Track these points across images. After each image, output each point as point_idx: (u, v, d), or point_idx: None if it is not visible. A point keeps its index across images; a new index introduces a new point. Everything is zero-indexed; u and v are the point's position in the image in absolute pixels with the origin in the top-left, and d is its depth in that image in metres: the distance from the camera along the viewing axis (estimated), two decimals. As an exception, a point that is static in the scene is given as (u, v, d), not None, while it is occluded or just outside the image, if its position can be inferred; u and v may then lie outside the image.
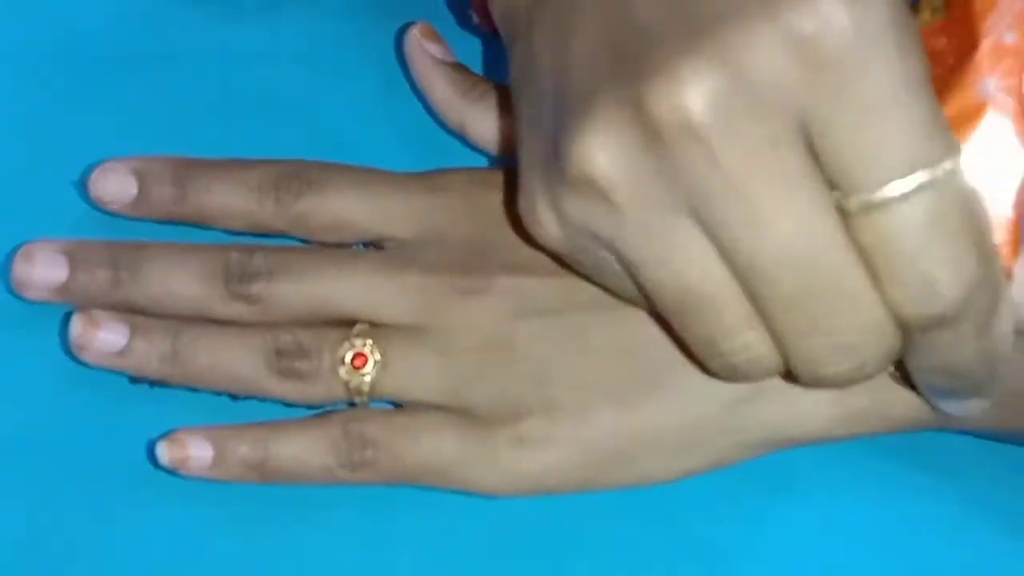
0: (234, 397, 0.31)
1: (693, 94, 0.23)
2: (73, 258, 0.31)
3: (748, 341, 0.25)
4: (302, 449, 0.30)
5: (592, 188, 0.24)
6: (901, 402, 0.29)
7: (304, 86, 0.36)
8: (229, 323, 0.31)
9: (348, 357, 0.30)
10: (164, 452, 0.30)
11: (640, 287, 0.26)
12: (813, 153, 0.23)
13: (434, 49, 0.34)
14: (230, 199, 0.32)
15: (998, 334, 0.25)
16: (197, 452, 0.30)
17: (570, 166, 0.24)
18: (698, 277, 0.25)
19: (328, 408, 0.31)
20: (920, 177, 0.23)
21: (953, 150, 0.23)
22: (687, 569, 0.30)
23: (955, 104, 0.25)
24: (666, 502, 0.31)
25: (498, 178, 0.32)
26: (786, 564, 0.31)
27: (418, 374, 0.30)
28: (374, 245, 0.32)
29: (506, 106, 0.32)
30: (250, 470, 0.30)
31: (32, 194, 0.34)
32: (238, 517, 0.30)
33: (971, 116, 0.25)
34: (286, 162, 0.32)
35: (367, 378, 0.30)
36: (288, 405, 0.31)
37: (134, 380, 0.31)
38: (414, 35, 0.34)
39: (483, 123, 0.33)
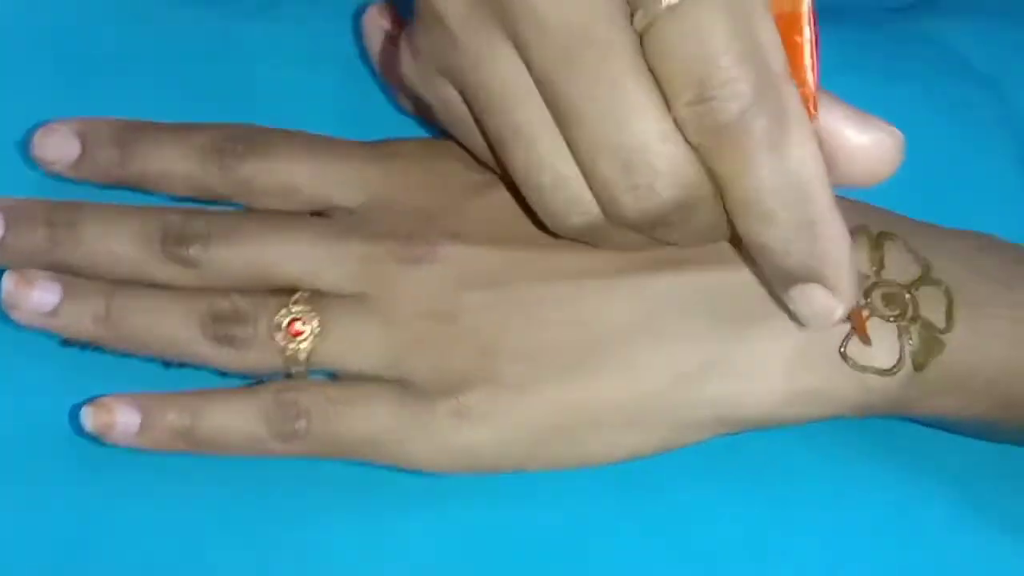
0: (167, 365, 0.30)
1: None
2: (9, 215, 0.30)
3: (561, 174, 0.25)
4: (231, 417, 0.29)
5: (433, 18, 0.26)
6: (852, 383, 0.28)
7: (304, 86, 0.35)
8: (167, 287, 0.30)
9: (284, 323, 0.29)
10: (89, 417, 0.29)
11: (476, 121, 0.26)
12: None
13: (388, 24, 0.33)
14: (173, 162, 0.31)
15: (796, 159, 0.24)
16: (123, 418, 0.29)
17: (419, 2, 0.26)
18: (513, 101, 0.25)
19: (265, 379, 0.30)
20: None
21: None
22: (687, 569, 0.29)
23: None
24: (666, 502, 0.30)
25: (451, 147, 0.31)
26: (787, 564, 0.30)
27: (357, 343, 0.29)
28: (324, 215, 0.31)
29: None
30: (177, 438, 0.29)
31: (31, 192, 0.33)
32: (230, 514, 0.30)
33: None
34: (233, 125, 0.31)
35: (304, 346, 0.29)
36: (223, 375, 0.30)
37: (66, 343, 0.30)
38: (372, 15, 0.33)
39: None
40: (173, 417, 0.29)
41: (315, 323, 0.29)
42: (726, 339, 0.29)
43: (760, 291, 0.29)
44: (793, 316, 0.27)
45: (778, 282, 0.26)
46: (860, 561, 0.30)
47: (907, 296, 0.29)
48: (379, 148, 0.31)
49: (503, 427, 0.29)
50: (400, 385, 0.29)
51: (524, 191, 0.27)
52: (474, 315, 0.29)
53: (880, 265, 0.29)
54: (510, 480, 0.29)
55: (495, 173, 0.30)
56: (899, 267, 0.29)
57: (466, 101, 0.27)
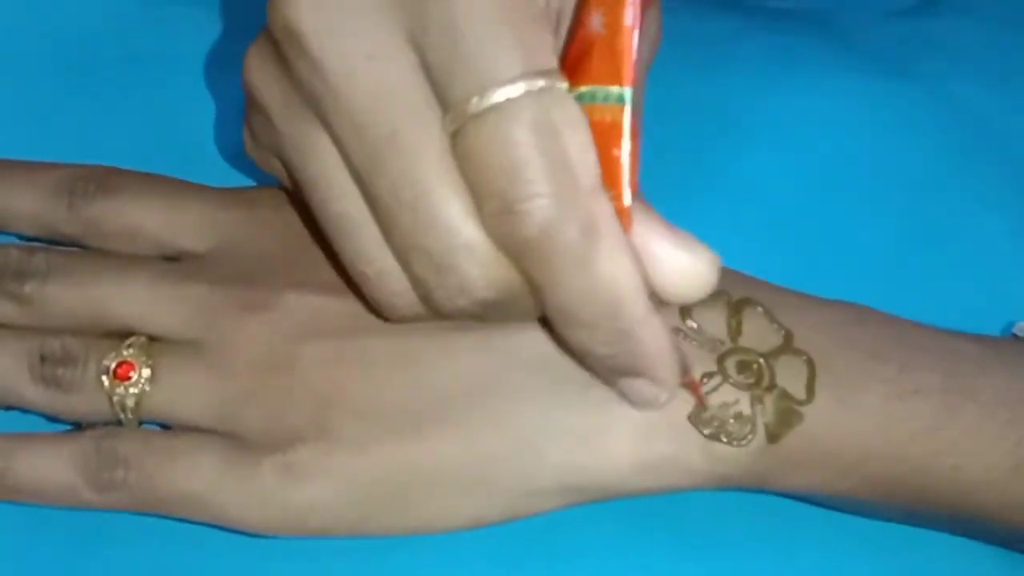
0: (-3, 408, 0.29)
1: (295, 3, 0.23)
2: None
3: (385, 267, 0.25)
4: (47, 463, 0.27)
5: (256, 104, 0.25)
6: (703, 453, 0.27)
7: None
8: (1, 326, 0.29)
9: (112, 367, 0.28)
10: None
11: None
12: (427, 70, 0.23)
13: None
14: (21, 200, 0.30)
15: (605, 273, 0.23)
16: None
17: (243, 77, 0.26)
18: (333, 192, 0.25)
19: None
20: (504, 93, 0.22)
21: (546, 68, 0.23)
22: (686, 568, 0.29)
23: (576, 46, 0.24)
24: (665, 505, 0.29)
25: None
26: (787, 563, 0.29)
27: (188, 392, 0.28)
28: (174, 259, 0.30)
29: None
30: None
31: None
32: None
33: (585, 54, 0.24)
34: (85, 166, 0.30)
35: (132, 392, 0.28)
36: (52, 420, 0.29)
37: None
38: None
39: None
40: None
41: (145, 370, 0.28)
42: (570, 403, 0.27)
43: None
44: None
45: (602, 376, 0.26)
46: (861, 560, 0.29)
47: (762, 364, 0.27)
48: (233, 194, 0.30)
49: (333, 487, 0.27)
50: (229, 439, 0.28)
51: (354, 279, 0.26)
52: (311, 367, 0.28)
53: (738, 332, 0.28)
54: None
55: None
56: (758, 335, 0.28)
57: (296, 189, 0.27)
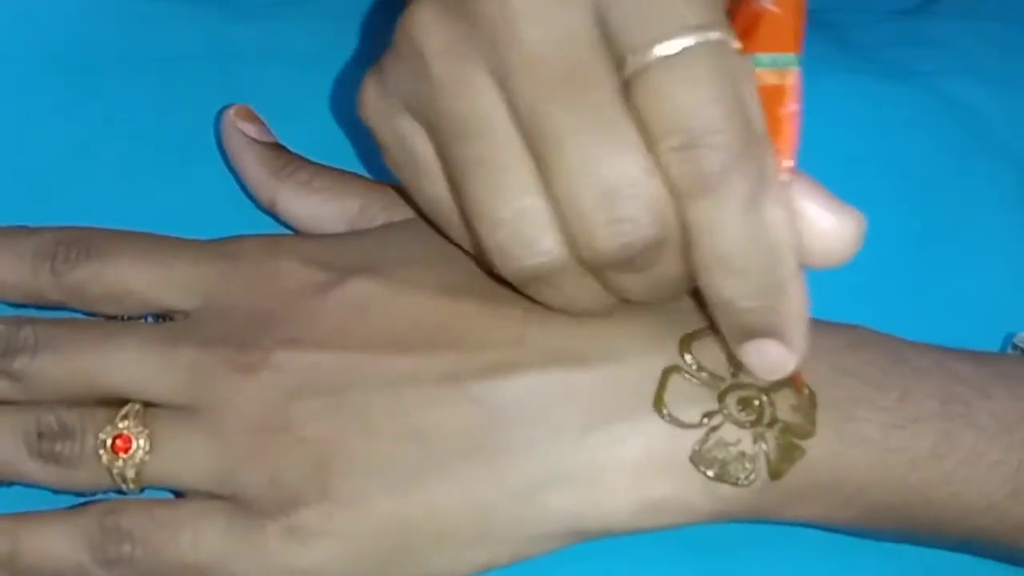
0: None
1: None
2: None
3: (526, 209, 0.25)
4: (54, 543, 0.27)
5: (411, 49, 0.25)
6: (704, 492, 0.27)
7: (304, 86, 0.35)
8: None
9: (108, 441, 0.28)
10: None
11: (438, 149, 0.26)
12: (603, 23, 0.24)
13: (248, 128, 0.32)
14: (5, 269, 0.29)
15: (771, 220, 0.24)
16: None
17: (396, 32, 0.26)
18: (485, 128, 0.25)
19: (98, 497, 0.29)
20: (685, 41, 0.23)
21: (721, 23, 0.24)
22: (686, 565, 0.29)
23: (740, 20, 0.26)
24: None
25: (292, 244, 0.30)
26: (787, 562, 0.29)
27: (187, 458, 0.28)
28: (167, 318, 0.30)
29: (316, 184, 0.31)
30: None
31: (31, 193, 0.33)
32: None
33: (751, 27, 0.26)
34: (66, 230, 0.30)
35: (132, 463, 0.28)
36: (56, 492, 0.29)
37: None
38: (229, 115, 0.32)
39: (293, 201, 0.31)
40: None
41: (142, 440, 0.28)
42: (568, 450, 0.27)
43: (600, 392, 0.27)
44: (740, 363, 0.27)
45: (733, 336, 0.26)
46: (860, 559, 0.29)
47: (764, 400, 0.27)
48: (217, 248, 0.30)
49: (339, 547, 0.27)
50: (232, 503, 0.27)
51: (479, 229, 0.26)
52: (308, 426, 0.27)
53: (738, 366, 0.27)
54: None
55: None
56: None
57: (432, 134, 0.26)
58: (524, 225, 0.25)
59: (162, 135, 0.34)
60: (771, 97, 0.25)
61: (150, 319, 0.30)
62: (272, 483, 0.27)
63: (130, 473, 0.28)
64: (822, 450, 0.27)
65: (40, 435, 0.28)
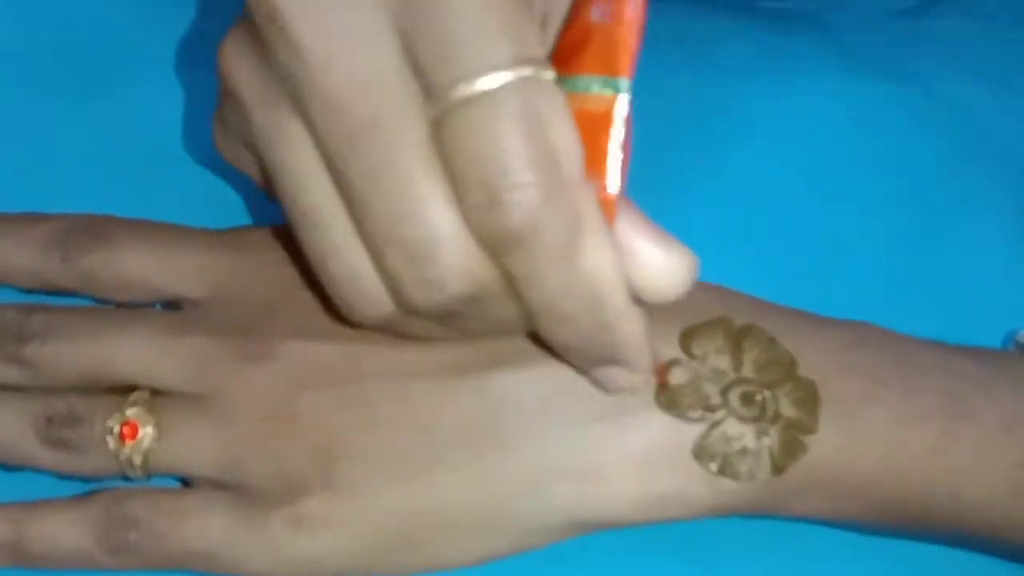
0: (7, 468, 0.29)
1: None
2: None
3: (354, 264, 0.24)
4: (60, 530, 0.28)
5: (230, 92, 0.25)
6: (707, 486, 0.27)
7: None
8: (5, 388, 0.29)
9: (116, 428, 0.28)
10: None
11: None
12: (411, 57, 0.22)
13: None
14: (16, 255, 0.30)
15: (589, 266, 0.23)
16: None
17: (219, 71, 0.25)
18: (304, 183, 0.24)
19: (105, 484, 0.29)
20: (490, 80, 0.22)
21: (531, 56, 0.22)
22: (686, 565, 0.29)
23: (569, 34, 0.24)
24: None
25: None
26: (787, 561, 0.29)
27: (193, 446, 0.28)
28: (175, 306, 0.30)
29: None
30: (3, 553, 0.28)
31: (32, 194, 0.32)
32: None
33: (580, 43, 0.24)
34: (77, 217, 0.30)
35: (139, 450, 0.28)
36: (62, 478, 0.29)
37: None
38: None
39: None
40: (1, 530, 0.28)
41: (150, 427, 0.28)
42: (572, 442, 0.27)
43: None
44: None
45: (578, 364, 0.26)
46: (861, 559, 0.29)
47: (767, 395, 0.27)
48: (227, 237, 0.30)
49: (343, 536, 0.27)
50: (237, 492, 0.28)
51: (320, 279, 0.25)
52: (314, 415, 0.28)
53: (740, 361, 0.27)
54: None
55: None
56: (761, 363, 0.28)
57: (266, 178, 0.26)
58: (358, 283, 0.25)
59: (162, 135, 0.34)
60: (596, 125, 0.24)
61: (159, 307, 0.30)
62: (277, 472, 0.27)
63: (137, 460, 0.28)
64: (825, 446, 0.27)
65: (49, 420, 0.28)
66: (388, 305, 0.25)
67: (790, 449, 0.27)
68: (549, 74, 0.22)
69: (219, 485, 0.28)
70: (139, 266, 0.29)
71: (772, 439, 0.27)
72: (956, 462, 0.27)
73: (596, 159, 0.23)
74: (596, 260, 0.23)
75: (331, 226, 0.24)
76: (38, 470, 0.29)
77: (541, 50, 0.23)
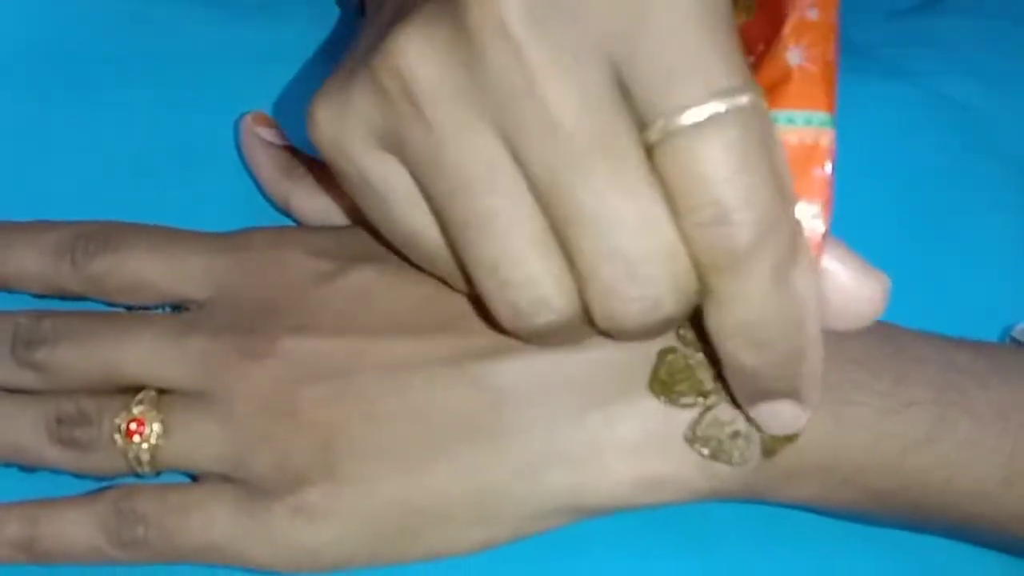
0: (23, 469, 0.30)
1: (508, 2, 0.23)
2: None
3: (534, 273, 0.24)
4: (71, 527, 0.28)
5: (394, 80, 0.24)
6: (699, 470, 0.27)
7: (304, 86, 0.35)
8: (18, 391, 0.30)
9: (123, 426, 0.29)
10: None
11: (427, 199, 0.25)
12: (622, 83, 0.23)
13: (264, 132, 0.33)
14: (26, 261, 0.31)
15: (799, 291, 0.24)
16: None
17: (378, 58, 0.24)
18: (488, 187, 0.24)
19: (116, 481, 0.30)
20: (716, 106, 0.22)
21: (751, 86, 0.23)
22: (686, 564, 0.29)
23: (766, 74, 0.25)
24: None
25: (300, 236, 0.31)
26: (787, 562, 0.29)
27: (199, 443, 0.29)
28: (182, 308, 0.31)
29: (325, 184, 0.32)
30: (18, 551, 0.29)
31: (31, 193, 0.33)
32: None
33: (780, 82, 0.25)
34: (86, 223, 0.31)
35: (145, 447, 0.29)
36: (76, 477, 0.30)
37: None
38: (247, 121, 0.33)
39: (305, 200, 0.32)
40: (14, 530, 0.29)
41: (156, 425, 0.29)
42: (567, 430, 0.27)
43: (597, 374, 0.28)
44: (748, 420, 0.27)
45: (746, 397, 0.26)
46: (861, 560, 0.29)
47: None
48: (228, 240, 0.31)
49: (343, 526, 0.28)
50: (241, 485, 0.28)
51: (482, 284, 0.25)
52: (314, 409, 0.28)
53: None
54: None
55: (362, 261, 0.30)
56: None
57: (419, 175, 0.25)
58: (537, 289, 0.25)
59: (162, 134, 0.34)
60: (803, 157, 0.25)
61: (168, 309, 0.31)
62: (279, 465, 0.28)
63: (144, 456, 0.29)
64: (817, 432, 0.27)
65: (59, 421, 0.29)
66: (564, 312, 0.25)
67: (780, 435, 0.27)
68: (764, 102, 0.23)
69: (225, 479, 0.29)
70: (145, 270, 0.30)
71: None
72: (947, 452, 0.27)
73: (804, 190, 0.24)
74: (804, 287, 0.24)
75: (517, 230, 0.24)
76: (52, 470, 0.30)
77: (752, 77, 0.23)
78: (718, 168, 0.22)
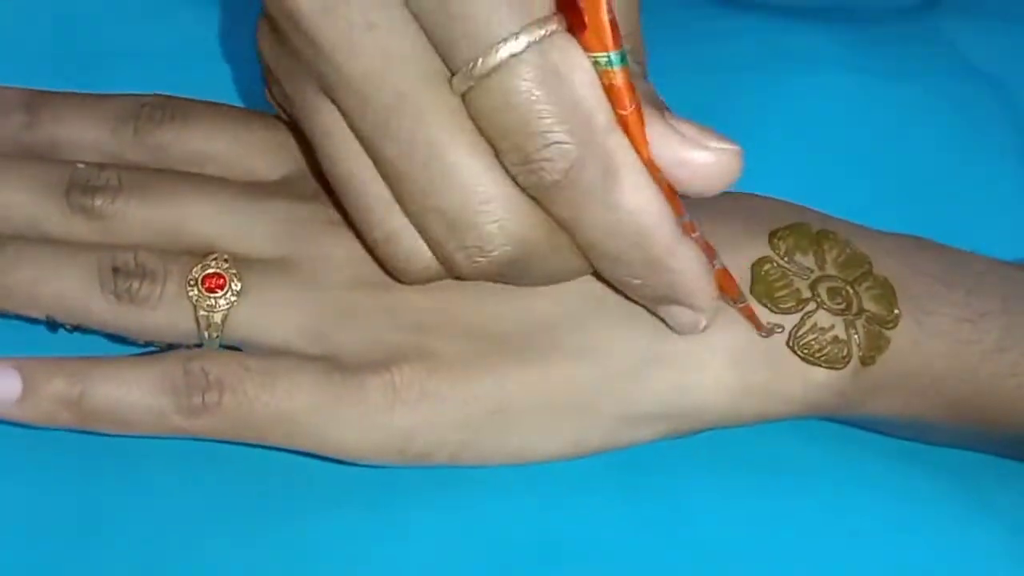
0: (53, 328, 0.27)
1: None
2: None
3: (394, 228, 0.25)
4: (130, 386, 0.25)
5: (264, 56, 0.26)
6: (800, 378, 0.27)
7: None
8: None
9: (200, 277, 0.26)
10: None
11: None
12: (429, 36, 0.23)
13: None
14: (84, 127, 0.28)
15: (629, 206, 0.24)
16: (2, 383, 0.25)
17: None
18: (340, 154, 0.25)
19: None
20: (511, 47, 0.22)
21: (547, 21, 0.23)
22: (685, 564, 0.27)
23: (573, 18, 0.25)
24: (665, 503, 0.28)
25: None
26: (787, 564, 0.28)
27: (279, 310, 0.26)
28: None
29: None
30: (64, 409, 0.25)
31: None
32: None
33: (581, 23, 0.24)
34: (150, 95, 0.29)
35: (220, 305, 0.26)
36: (120, 341, 0.26)
37: None
38: None
39: None
40: (60, 384, 0.25)
41: (236, 283, 0.26)
42: (668, 331, 0.27)
43: None
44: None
45: (643, 302, 0.27)
46: (861, 560, 0.28)
47: (850, 291, 0.28)
48: None
49: (438, 408, 0.26)
50: (325, 360, 0.26)
51: (365, 242, 0.26)
52: (410, 287, 0.27)
53: (823, 260, 0.29)
54: (507, 476, 0.27)
55: None
56: (840, 263, 0.29)
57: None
58: (399, 245, 0.25)
59: None
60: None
61: None
62: (370, 340, 0.26)
63: (217, 318, 0.26)
64: (903, 340, 0.28)
65: (116, 271, 0.26)
66: (431, 265, 0.25)
67: (875, 341, 0.28)
68: (562, 29, 0.23)
69: (301, 354, 0.26)
70: (214, 142, 0.28)
71: (859, 331, 0.28)
72: (1017, 359, 0.28)
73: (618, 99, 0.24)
74: (634, 200, 0.24)
75: (369, 193, 0.25)
76: (95, 330, 0.26)
77: (551, 6, 0.23)
78: (513, 113, 0.23)
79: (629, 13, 0.26)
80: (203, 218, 0.27)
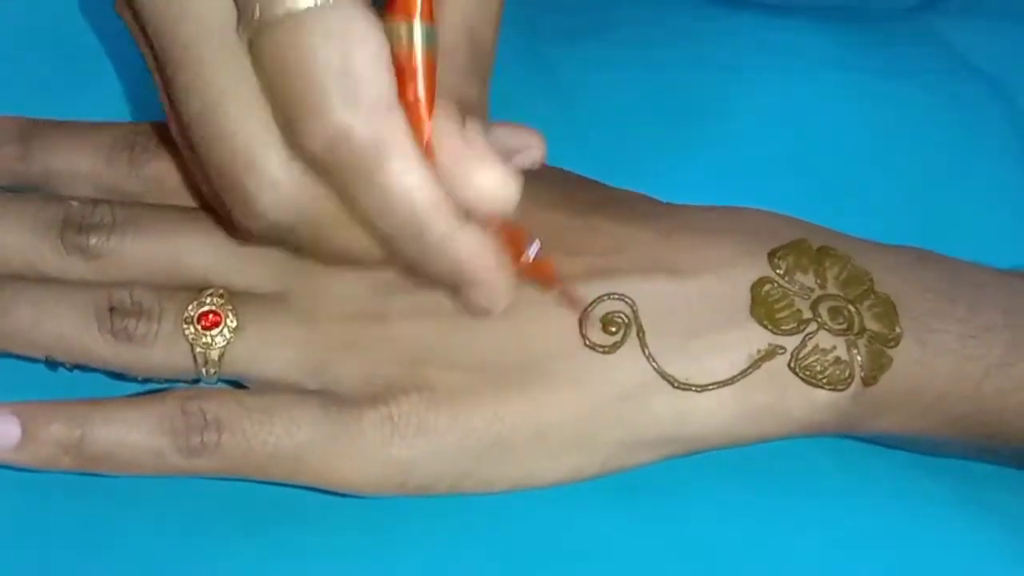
0: (53, 367, 0.27)
1: None
2: None
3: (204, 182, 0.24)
4: (129, 428, 0.25)
5: None
6: (802, 399, 0.27)
7: None
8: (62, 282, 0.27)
9: (196, 315, 0.26)
10: None
11: None
12: None
13: None
14: (79, 158, 0.28)
15: (397, 189, 0.23)
16: (1, 428, 0.25)
17: None
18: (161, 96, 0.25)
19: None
20: (298, 2, 0.22)
21: None
22: (688, 569, 0.28)
23: None
24: (665, 502, 0.28)
25: None
26: (787, 564, 0.28)
27: (276, 345, 0.26)
28: None
29: None
30: (64, 453, 0.25)
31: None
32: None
33: None
34: (143, 123, 0.29)
35: (217, 343, 0.26)
36: (118, 378, 0.26)
37: None
38: None
39: None
40: (59, 428, 0.25)
41: (232, 319, 0.26)
42: (668, 354, 0.27)
43: (697, 303, 0.27)
44: None
45: (443, 287, 0.26)
46: (861, 561, 0.28)
47: (852, 310, 0.28)
48: None
49: (439, 440, 0.26)
50: (322, 395, 0.26)
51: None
52: (404, 319, 0.27)
53: (824, 278, 0.28)
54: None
55: None
56: (841, 281, 0.29)
57: None
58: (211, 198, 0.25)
59: None
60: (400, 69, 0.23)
61: None
62: (369, 375, 0.26)
63: (213, 354, 0.26)
64: (905, 358, 0.28)
65: (112, 310, 0.26)
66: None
67: (878, 360, 0.28)
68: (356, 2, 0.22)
69: (298, 389, 0.26)
70: None
71: (861, 351, 0.28)
72: (1022, 374, 0.28)
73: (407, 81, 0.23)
74: (405, 182, 0.23)
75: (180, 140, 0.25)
76: (93, 368, 0.26)
77: None
78: (289, 67, 0.22)
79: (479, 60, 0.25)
80: (198, 253, 0.27)
